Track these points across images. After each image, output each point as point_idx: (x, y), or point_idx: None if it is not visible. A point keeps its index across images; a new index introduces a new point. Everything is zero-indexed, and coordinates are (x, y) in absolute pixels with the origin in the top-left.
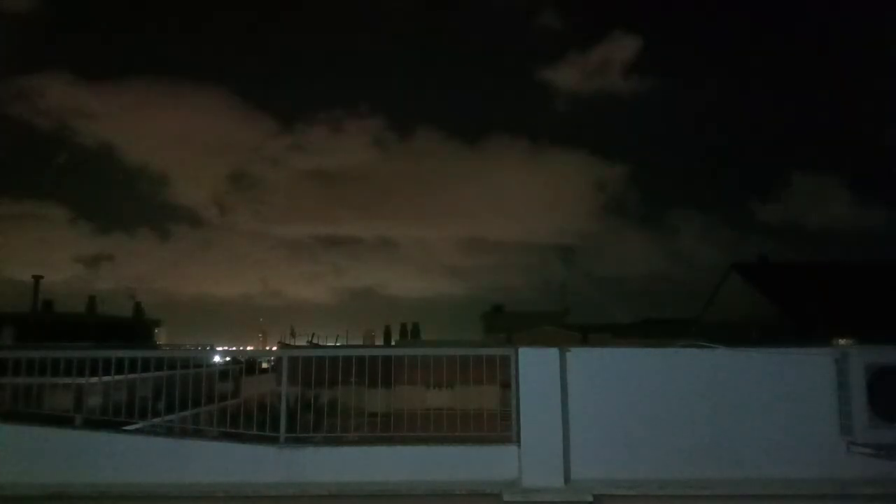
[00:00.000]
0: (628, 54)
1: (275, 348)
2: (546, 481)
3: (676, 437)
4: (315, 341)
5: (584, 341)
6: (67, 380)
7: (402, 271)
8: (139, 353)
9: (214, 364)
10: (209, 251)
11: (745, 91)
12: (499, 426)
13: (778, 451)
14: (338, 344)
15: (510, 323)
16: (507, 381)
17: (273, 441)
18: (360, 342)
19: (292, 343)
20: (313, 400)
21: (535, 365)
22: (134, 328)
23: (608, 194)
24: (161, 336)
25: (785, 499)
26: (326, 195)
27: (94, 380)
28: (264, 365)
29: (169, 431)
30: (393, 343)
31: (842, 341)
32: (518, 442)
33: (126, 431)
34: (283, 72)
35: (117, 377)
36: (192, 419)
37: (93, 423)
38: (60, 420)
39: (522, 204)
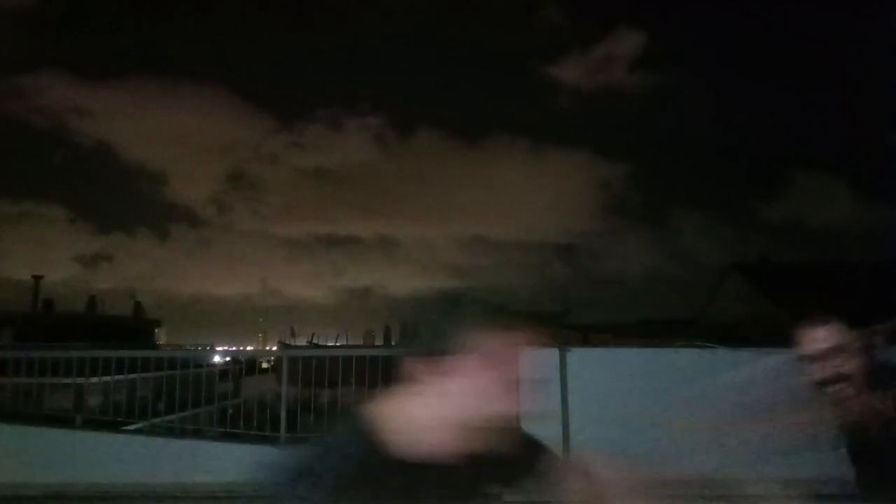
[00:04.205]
0: (632, 51)
1: (275, 348)
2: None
3: (677, 437)
4: (315, 341)
5: (584, 341)
6: (67, 380)
7: (402, 271)
8: (139, 353)
9: (214, 364)
10: (208, 251)
11: (748, 90)
12: None
13: (778, 450)
14: (338, 344)
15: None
16: None
17: (273, 441)
18: (360, 342)
19: (292, 343)
20: (313, 400)
21: (535, 365)
22: (134, 328)
23: (610, 193)
24: (161, 336)
25: (785, 498)
26: (326, 194)
27: (94, 380)
28: (264, 365)
29: (169, 431)
30: (393, 343)
31: None
32: None
33: (126, 431)
34: (282, 70)
35: (117, 377)
36: (192, 419)
37: (93, 423)
38: (60, 420)
39: (523, 203)
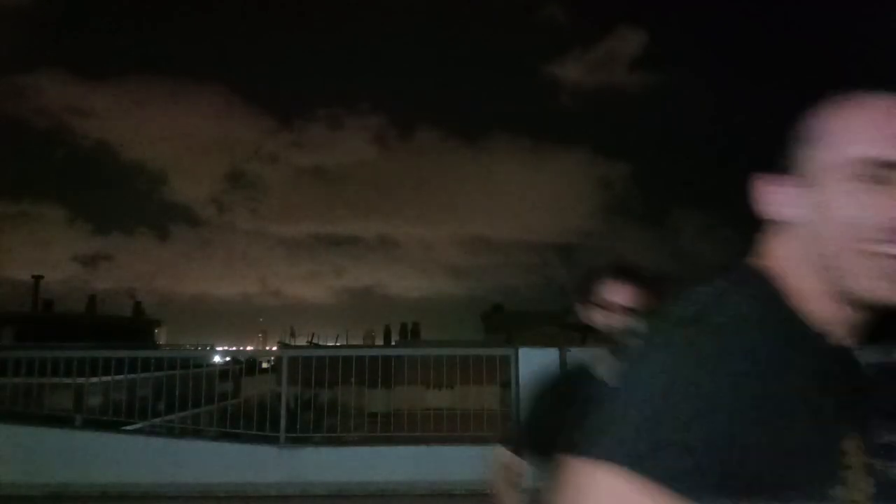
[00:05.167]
0: (632, 50)
1: (275, 348)
2: (546, 481)
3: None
4: (315, 341)
5: (585, 341)
6: (67, 380)
7: (402, 271)
8: (139, 353)
9: (214, 364)
10: (208, 250)
11: (748, 90)
12: (499, 426)
13: None
14: (338, 344)
15: (510, 323)
16: (507, 381)
17: (273, 441)
18: (360, 342)
19: (292, 343)
20: (313, 400)
21: (535, 365)
22: (134, 328)
23: (610, 193)
24: (161, 336)
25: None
26: (326, 193)
27: (94, 380)
28: (264, 365)
29: (169, 431)
30: (393, 343)
31: None
32: None
33: (126, 431)
34: (282, 70)
35: (117, 377)
36: (192, 419)
37: (93, 423)
38: (60, 420)
39: (523, 203)
